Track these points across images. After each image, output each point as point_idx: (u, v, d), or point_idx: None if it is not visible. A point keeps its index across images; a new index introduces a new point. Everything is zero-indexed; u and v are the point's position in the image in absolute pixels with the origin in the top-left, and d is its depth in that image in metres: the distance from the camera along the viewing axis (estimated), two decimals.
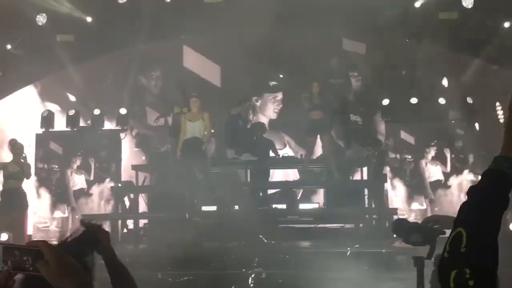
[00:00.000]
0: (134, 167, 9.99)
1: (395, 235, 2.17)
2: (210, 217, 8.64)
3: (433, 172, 9.92)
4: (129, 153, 10.87)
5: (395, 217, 7.63)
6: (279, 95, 12.02)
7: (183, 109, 8.49)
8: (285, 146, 11.29)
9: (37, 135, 10.30)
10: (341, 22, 10.07)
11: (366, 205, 8.92)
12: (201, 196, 8.42)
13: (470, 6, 9.72)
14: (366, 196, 8.98)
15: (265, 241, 7.14)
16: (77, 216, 9.76)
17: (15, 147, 7.99)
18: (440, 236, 1.95)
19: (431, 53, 10.41)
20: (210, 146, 9.71)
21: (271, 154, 9.62)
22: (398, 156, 10.28)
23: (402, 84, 10.85)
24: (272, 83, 12.03)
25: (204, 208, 8.71)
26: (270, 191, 9.75)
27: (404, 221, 2.17)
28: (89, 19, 10.40)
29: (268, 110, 12.04)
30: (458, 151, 10.06)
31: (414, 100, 10.03)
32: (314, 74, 8.70)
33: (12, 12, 9.49)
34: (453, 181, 9.89)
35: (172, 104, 9.11)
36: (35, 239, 1.20)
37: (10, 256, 1.06)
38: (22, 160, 7.98)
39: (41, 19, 10.04)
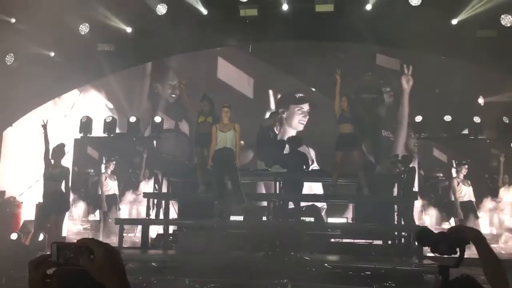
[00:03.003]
0: (165, 175, 10.21)
1: (418, 244, 2.10)
2: (238, 227, 8.74)
3: (465, 191, 9.73)
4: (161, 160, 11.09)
5: None
6: (305, 107, 12.02)
7: (208, 118, 8.50)
8: (312, 162, 11.28)
9: (76, 140, 10.66)
10: (375, 38, 10.07)
11: (395, 222, 8.82)
12: (229, 205, 8.51)
13: (509, 25, 9.58)
14: (395, 213, 8.88)
15: (292, 253, 7.17)
16: (110, 220, 10.02)
17: (59, 151, 8.20)
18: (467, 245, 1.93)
19: (466, 71, 10.28)
20: (246, 156, 9.68)
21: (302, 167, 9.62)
22: (429, 173, 10.15)
23: (436, 101, 10.73)
24: (298, 94, 12.05)
25: (233, 218, 8.82)
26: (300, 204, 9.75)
27: (429, 230, 2.11)
28: (129, 29, 10.78)
29: (294, 122, 12.05)
30: (492, 171, 9.86)
31: (448, 118, 9.90)
32: (346, 88, 8.68)
33: (57, 21, 9.92)
34: (486, 202, 9.68)
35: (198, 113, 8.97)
36: (84, 237, 1.32)
37: (63, 253, 1.20)
38: (62, 164, 8.24)
39: (84, 28, 10.47)
